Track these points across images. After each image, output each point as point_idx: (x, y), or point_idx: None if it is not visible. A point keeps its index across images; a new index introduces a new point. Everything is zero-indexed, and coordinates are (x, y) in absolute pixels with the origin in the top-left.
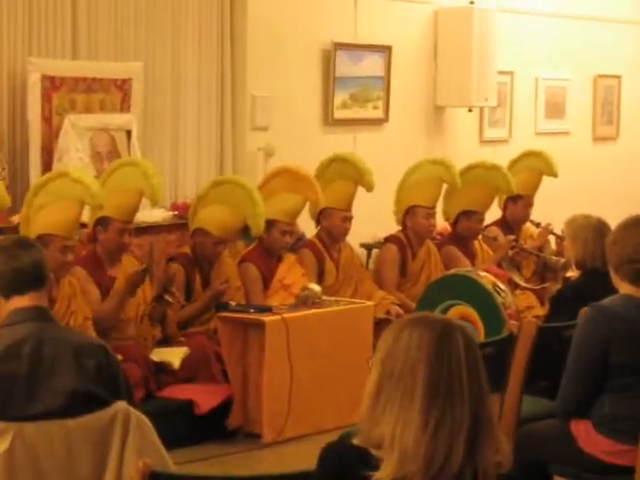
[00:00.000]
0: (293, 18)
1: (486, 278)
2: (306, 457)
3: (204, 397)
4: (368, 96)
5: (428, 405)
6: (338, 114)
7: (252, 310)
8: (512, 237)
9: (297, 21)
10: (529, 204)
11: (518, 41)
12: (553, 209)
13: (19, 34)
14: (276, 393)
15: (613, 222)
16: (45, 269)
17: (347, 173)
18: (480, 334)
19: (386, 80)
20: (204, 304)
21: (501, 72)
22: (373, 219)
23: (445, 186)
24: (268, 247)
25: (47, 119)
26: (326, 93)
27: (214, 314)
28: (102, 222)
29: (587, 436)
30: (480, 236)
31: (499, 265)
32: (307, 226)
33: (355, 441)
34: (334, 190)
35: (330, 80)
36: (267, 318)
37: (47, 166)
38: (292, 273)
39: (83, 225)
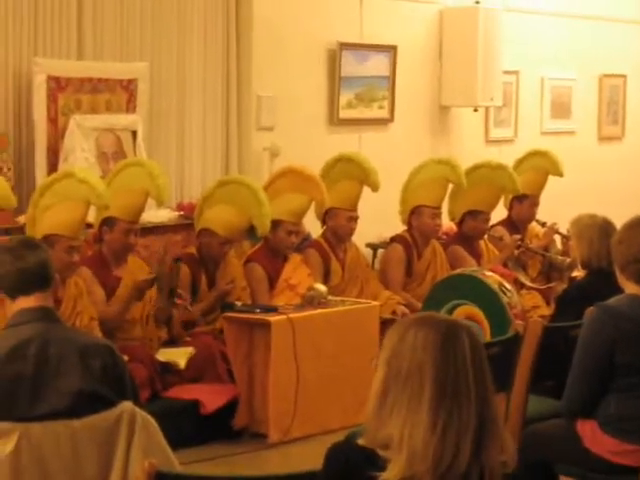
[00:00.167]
0: (298, 18)
1: (492, 278)
2: (312, 457)
3: (210, 397)
4: (373, 96)
5: (436, 406)
6: (343, 114)
7: (258, 310)
8: (518, 237)
9: (302, 21)
10: (535, 204)
11: (524, 41)
12: (559, 209)
13: (25, 35)
14: (282, 393)
15: (619, 222)
16: (51, 270)
17: (352, 173)
18: (486, 334)
19: (391, 80)
20: (210, 304)
21: (507, 72)
22: (379, 219)
23: (451, 186)
24: (274, 247)
25: (53, 119)
26: (331, 93)
27: (220, 314)
28: (108, 222)
29: (593, 436)
30: (486, 236)
31: (505, 265)
32: (313, 226)
33: (361, 441)
34: (339, 190)
35: (335, 80)
36: (273, 318)
37: (53, 166)
38: (298, 273)
39: (89, 225)
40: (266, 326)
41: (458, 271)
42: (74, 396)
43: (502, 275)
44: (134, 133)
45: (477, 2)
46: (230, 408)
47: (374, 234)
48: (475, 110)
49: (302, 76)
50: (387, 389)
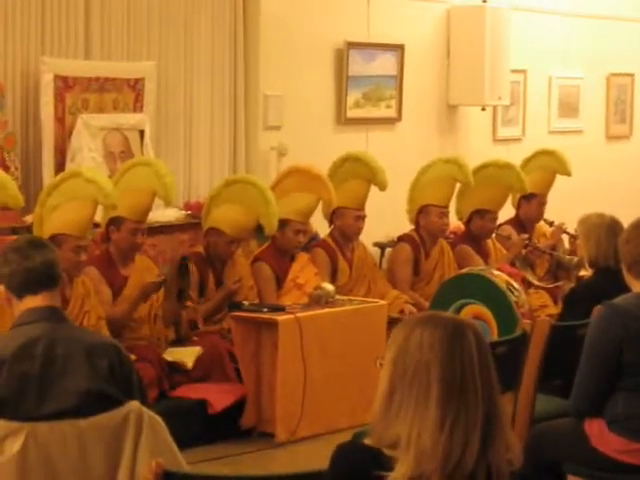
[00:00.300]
0: (306, 17)
1: (499, 277)
2: (320, 457)
3: (217, 396)
4: (381, 95)
5: (443, 405)
6: (351, 113)
7: (265, 309)
8: (525, 236)
9: (310, 20)
10: (542, 203)
11: (531, 39)
12: (566, 208)
13: (32, 34)
14: (289, 392)
15: (626, 221)
16: (58, 269)
17: (360, 172)
18: (493, 333)
19: (399, 79)
20: (217, 303)
21: (514, 71)
22: (386, 218)
23: (458, 185)
24: (281, 246)
25: (60, 119)
26: (339, 92)
27: (227, 313)
28: (115, 222)
29: (600, 435)
30: (493, 235)
31: (512, 264)
32: (320, 225)
33: (367, 441)
34: (347, 189)
35: (343, 79)
36: (280, 317)
37: (60, 166)
38: (305, 272)
39: (96, 225)
40: (273, 325)
41: (466, 270)
42: (81, 395)
43: (510, 274)
44: (141, 132)
45: (484, 1)
46: (238, 408)
47: (382, 233)
48: (483, 109)
49: (309, 75)
50: (394, 388)
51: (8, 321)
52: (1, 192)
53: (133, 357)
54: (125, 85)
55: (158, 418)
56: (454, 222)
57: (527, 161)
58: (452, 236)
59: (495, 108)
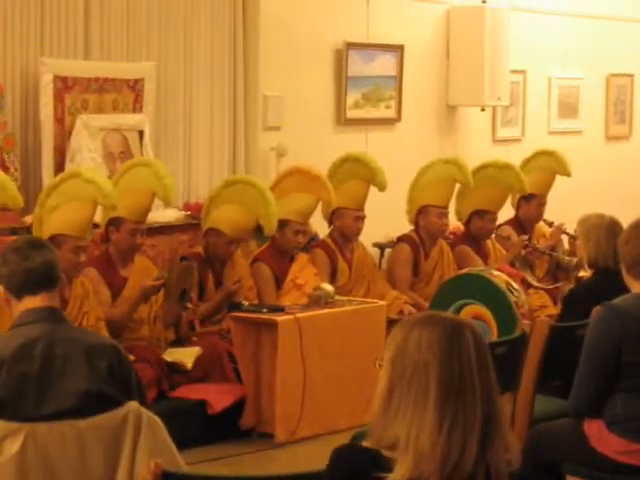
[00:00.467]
0: (305, 18)
1: (499, 277)
2: (319, 457)
3: (217, 397)
4: (380, 96)
5: (442, 406)
6: (350, 114)
7: (265, 310)
8: (525, 237)
9: (309, 21)
10: (542, 203)
11: (530, 40)
12: (566, 208)
13: (31, 34)
14: (289, 393)
15: (626, 221)
16: (57, 269)
17: (359, 173)
18: (493, 333)
19: (398, 79)
20: (216, 304)
21: (514, 71)
22: (386, 219)
23: (458, 185)
24: (281, 247)
25: (59, 119)
26: (338, 93)
27: (227, 314)
28: (114, 222)
29: (600, 435)
30: (493, 235)
31: (512, 264)
32: (320, 226)
33: (366, 443)
34: (346, 190)
35: (342, 80)
36: (280, 318)
37: (60, 166)
38: (305, 273)
39: (96, 225)
40: (273, 326)
41: (465, 271)
42: (80, 396)
43: (509, 275)
44: (141, 133)
45: (484, 2)
46: (237, 408)
47: (381, 234)
48: (482, 109)
49: (309, 76)
50: (392, 389)
51: (7, 322)
52: (1, 193)
53: (132, 358)
54: (124, 86)
55: (157, 418)
56: (453, 222)
57: (527, 161)
58: (451, 236)
59: (495, 108)
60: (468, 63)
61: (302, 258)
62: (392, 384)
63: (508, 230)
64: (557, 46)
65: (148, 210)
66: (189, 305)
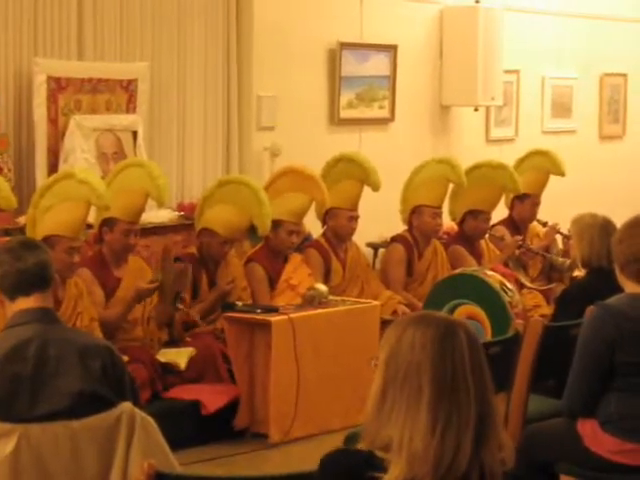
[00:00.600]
0: (299, 18)
1: (493, 277)
2: (313, 457)
3: (211, 397)
4: (374, 96)
5: (435, 407)
6: (344, 114)
7: (258, 310)
8: (519, 237)
9: (303, 21)
10: (536, 203)
11: (524, 40)
12: (560, 208)
13: (25, 35)
14: (283, 393)
15: (619, 221)
16: (50, 270)
17: (353, 173)
18: (487, 333)
19: (392, 79)
20: (210, 304)
21: (507, 71)
22: (379, 219)
23: (451, 185)
24: (274, 247)
25: (53, 120)
26: (332, 93)
27: (220, 314)
28: (108, 223)
29: (593, 435)
30: (487, 235)
31: (505, 265)
32: (313, 226)
33: (360, 445)
34: (340, 190)
35: (336, 80)
36: (273, 318)
37: (53, 167)
38: (298, 273)
39: (89, 226)
40: (267, 326)
41: (459, 271)
42: (73, 397)
43: (503, 275)
44: (134, 133)
45: (477, 1)
46: (231, 408)
47: (375, 234)
48: (476, 109)
49: (302, 76)
50: (386, 390)
51: (0, 323)
52: None
53: (126, 358)
54: (118, 86)
55: (150, 419)
56: (447, 222)
57: (520, 161)
58: (445, 236)
59: (488, 108)
60: (461, 63)
61: (296, 258)
62: (386, 385)
63: (502, 230)
64: (550, 46)
65: (142, 210)
66: (180, 306)
